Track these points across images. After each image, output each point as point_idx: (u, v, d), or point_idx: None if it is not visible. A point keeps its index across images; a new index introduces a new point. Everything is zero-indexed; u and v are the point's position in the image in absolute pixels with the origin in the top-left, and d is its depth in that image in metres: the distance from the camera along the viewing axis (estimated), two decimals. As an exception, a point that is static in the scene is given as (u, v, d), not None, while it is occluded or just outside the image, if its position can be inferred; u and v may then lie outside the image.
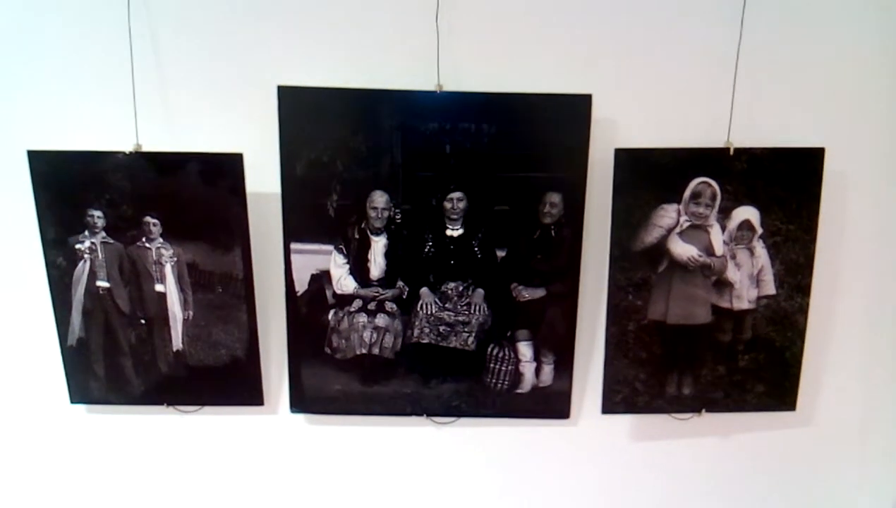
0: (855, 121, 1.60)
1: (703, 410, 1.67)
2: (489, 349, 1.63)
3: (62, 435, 1.72)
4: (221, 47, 1.51)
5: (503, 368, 1.65)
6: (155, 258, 1.53)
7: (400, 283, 1.59)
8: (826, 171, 1.54)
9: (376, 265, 1.58)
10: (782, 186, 1.55)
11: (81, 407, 1.68)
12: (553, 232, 1.57)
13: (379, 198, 1.53)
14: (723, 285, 1.59)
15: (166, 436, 1.72)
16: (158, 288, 1.55)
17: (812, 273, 1.60)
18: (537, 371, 1.65)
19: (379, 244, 1.56)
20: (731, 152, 1.52)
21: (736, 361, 1.64)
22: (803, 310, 1.62)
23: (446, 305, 1.60)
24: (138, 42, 1.50)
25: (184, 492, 1.77)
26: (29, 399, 1.70)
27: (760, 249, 1.57)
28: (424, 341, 1.62)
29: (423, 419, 1.70)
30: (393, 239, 1.56)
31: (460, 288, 1.60)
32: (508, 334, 1.63)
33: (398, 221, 1.55)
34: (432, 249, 1.58)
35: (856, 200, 1.64)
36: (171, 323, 1.58)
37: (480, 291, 1.60)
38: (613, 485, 1.79)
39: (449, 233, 1.57)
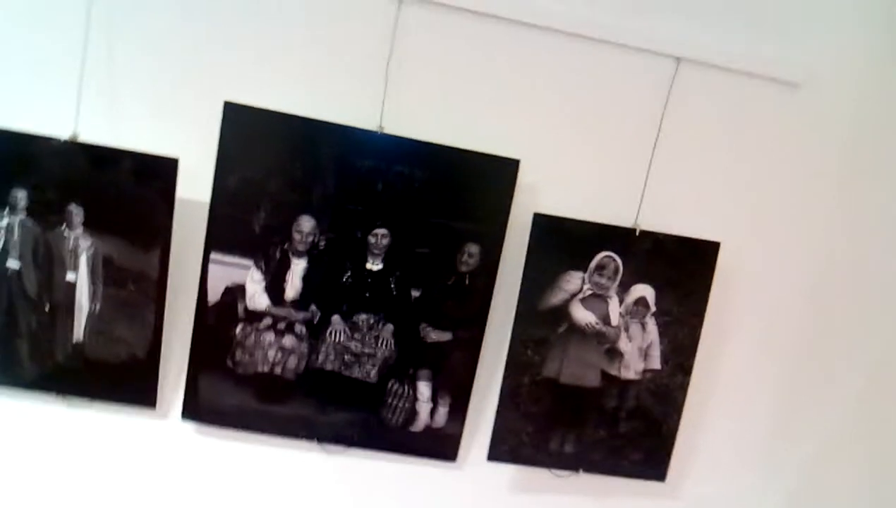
0: (754, 223, 1.77)
1: (581, 469, 1.76)
2: (390, 384, 1.68)
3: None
4: (176, 57, 1.55)
5: (400, 404, 1.70)
6: (71, 247, 1.52)
7: (313, 307, 1.63)
8: (719, 264, 1.69)
9: (292, 286, 1.62)
10: (679, 271, 1.69)
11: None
12: (467, 280, 1.65)
13: (306, 223, 1.58)
14: (614, 354, 1.70)
15: (53, 426, 1.68)
16: (70, 276, 1.54)
17: (695, 355, 1.73)
18: (433, 411, 1.71)
19: (298, 267, 1.61)
20: (637, 233, 1.66)
21: (617, 427, 1.74)
22: (683, 388, 1.75)
23: (355, 335, 1.65)
24: (95, 35, 1.52)
25: (63, 485, 1.71)
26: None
27: (652, 326, 1.70)
28: (328, 367, 1.65)
29: (314, 444, 1.72)
30: (313, 264, 1.61)
31: (371, 321, 1.65)
32: (410, 372, 1.68)
33: (321, 248, 1.60)
34: (350, 279, 1.63)
35: (742, 295, 1.80)
36: (76, 313, 1.56)
37: (390, 326, 1.66)
38: (490, 532, 1.85)
39: (369, 266, 1.63)
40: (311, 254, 1.61)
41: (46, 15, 1.52)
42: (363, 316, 1.65)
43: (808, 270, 1.81)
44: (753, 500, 1.91)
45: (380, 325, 1.66)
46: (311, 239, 1.59)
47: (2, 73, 1.54)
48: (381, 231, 1.62)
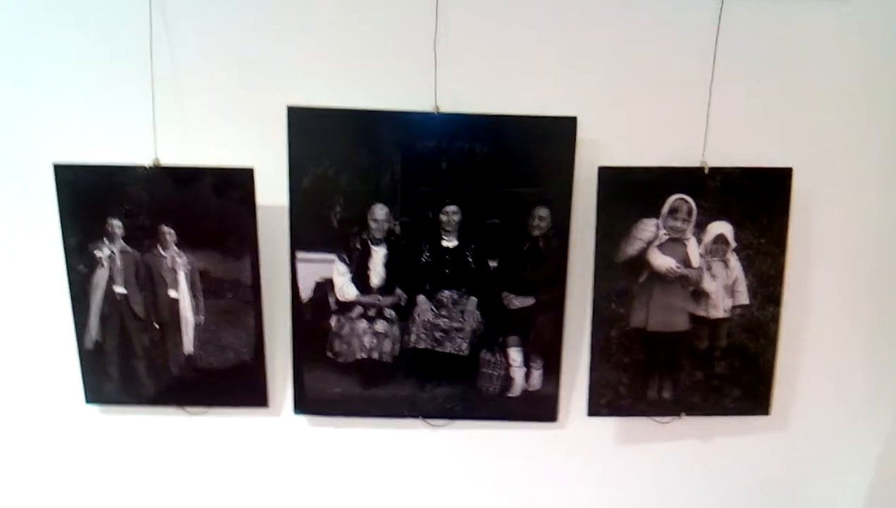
0: (821, 144, 1.72)
1: (683, 413, 1.77)
2: (482, 354, 1.73)
3: (77, 434, 1.81)
4: (237, 68, 1.63)
5: (495, 373, 1.75)
6: (169, 265, 1.63)
7: (398, 291, 1.69)
8: (794, 190, 1.66)
9: (376, 274, 1.68)
10: (754, 203, 1.66)
11: (95, 407, 1.77)
12: (541, 244, 1.68)
13: (379, 211, 1.64)
14: (699, 295, 1.70)
15: (176, 436, 1.81)
16: (172, 294, 1.65)
17: (783, 284, 1.71)
18: (527, 375, 1.75)
19: (379, 254, 1.67)
20: (706, 171, 1.65)
21: (713, 367, 1.74)
22: (775, 319, 1.73)
23: (442, 312, 1.71)
24: (159, 61, 1.61)
25: (190, 490, 1.85)
26: (46, 398, 1.78)
27: (734, 261, 1.69)
28: (421, 346, 1.72)
29: (418, 421, 1.79)
30: (392, 249, 1.67)
31: (455, 296, 1.71)
32: (500, 340, 1.73)
33: (397, 232, 1.66)
34: (429, 259, 1.68)
35: (822, 217, 1.75)
36: (183, 327, 1.67)
37: (474, 299, 1.71)
38: (599, 485, 1.88)
39: (444, 244, 1.68)
40: (389, 239, 1.66)
41: (112, 51, 1.62)
42: (446, 293, 1.70)
43: (885, 184, 1.76)
44: (861, 423, 1.87)
45: (463, 299, 1.71)
46: (386, 225, 1.65)
47: (79, 113, 1.65)
48: (451, 208, 1.66)
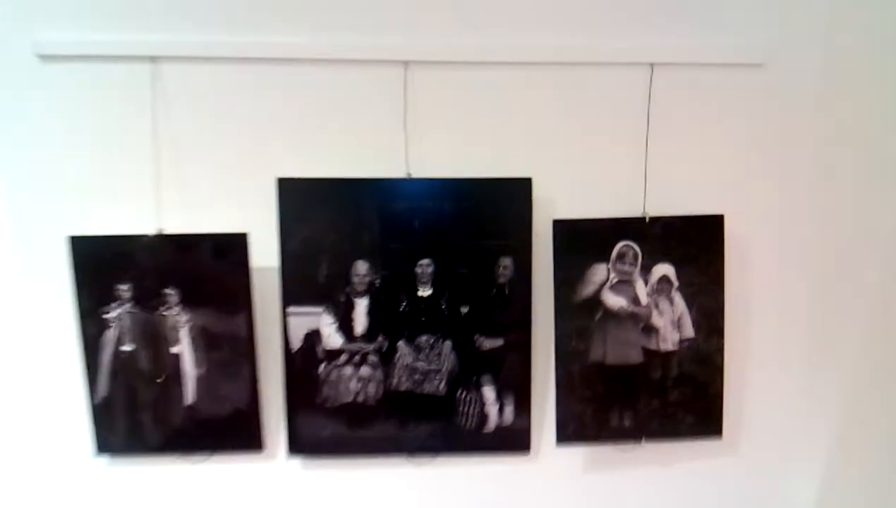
0: (748, 192, 1.94)
1: (644, 438, 1.94)
2: (458, 393, 1.88)
3: (87, 486, 1.93)
4: (231, 145, 1.82)
5: (471, 410, 1.90)
6: (172, 324, 1.80)
7: (380, 338, 1.85)
8: (727, 233, 1.86)
9: (360, 323, 1.85)
10: (692, 247, 1.86)
11: (104, 459, 1.90)
12: (507, 290, 1.86)
13: (361, 267, 1.82)
14: (650, 330, 1.88)
15: (179, 484, 1.94)
16: (174, 349, 1.81)
17: (723, 317, 1.89)
18: (500, 411, 1.90)
19: (361, 305, 1.84)
20: (647, 220, 1.85)
21: (667, 395, 1.90)
22: (720, 350, 1.90)
23: (420, 356, 1.87)
24: (162, 142, 1.81)
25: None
26: (59, 453, 1.91)
27: (678, 299, 1.88)
28: (402, 388, 1.87)
29: (402, 458, 1.94)
30: (373, 300, 1.84)
31: (431, 341, 1.87)
32: (474, 379, 1.88)
33: (377, 285, 1.83)
34: (406, 308, 1.85)
35: (754, 255, 1.96)
36: (185, 380, 1.82)
37: (448, 343, 1.87)
38: (571, 511, 2.04)
39: (420, 293, 1.85)
40: (370, 292, 1.84)
41: (118, 134, 1.81)
42: (424, 338, 1.87)
43: (808, 223, 1.96)
44: (804, 440, 2.01)
45: (439, 343, 1.88)
46: (367, 279, 1.83)
47: (89, 189, 1.82)
48: (424, 261, 1.84)
